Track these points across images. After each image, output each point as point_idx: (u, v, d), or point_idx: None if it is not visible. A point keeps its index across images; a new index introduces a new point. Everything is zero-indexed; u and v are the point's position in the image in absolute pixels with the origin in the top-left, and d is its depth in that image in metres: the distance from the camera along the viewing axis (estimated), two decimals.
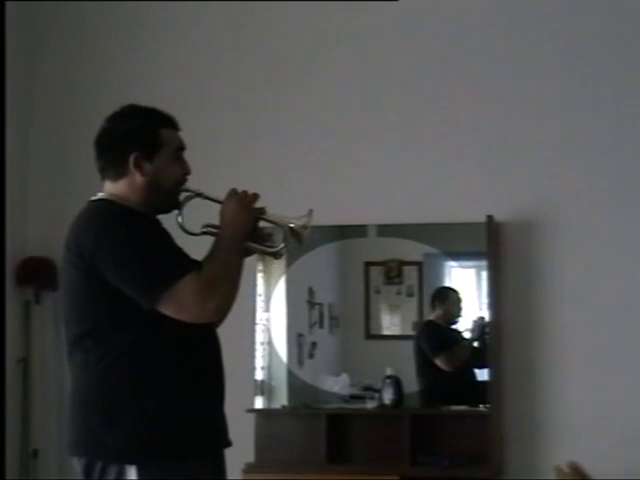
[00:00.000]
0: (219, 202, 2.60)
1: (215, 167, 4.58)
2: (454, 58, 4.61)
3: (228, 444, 2.62)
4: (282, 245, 2.63)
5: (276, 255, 2.69)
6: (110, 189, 2.59)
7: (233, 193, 2.61)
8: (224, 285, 2.47)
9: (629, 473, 3.99)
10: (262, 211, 2.61)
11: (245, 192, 2.61)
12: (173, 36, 4.94)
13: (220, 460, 2.60)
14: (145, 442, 2.44)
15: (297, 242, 2.61)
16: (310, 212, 2.61)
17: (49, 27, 5.07)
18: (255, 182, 4.73)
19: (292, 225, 2.60)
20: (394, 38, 4.67)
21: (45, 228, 4.83)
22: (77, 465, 2.53)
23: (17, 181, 4.89)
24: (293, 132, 4.75)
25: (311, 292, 4.78)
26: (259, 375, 4.67)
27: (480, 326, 4.52)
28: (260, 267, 4.65)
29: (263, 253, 2.71)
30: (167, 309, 2.43)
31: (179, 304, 2.43)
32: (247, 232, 2.57)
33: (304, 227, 2.60)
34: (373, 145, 4.65)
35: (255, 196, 2.61)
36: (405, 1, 4.62)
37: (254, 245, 2.62)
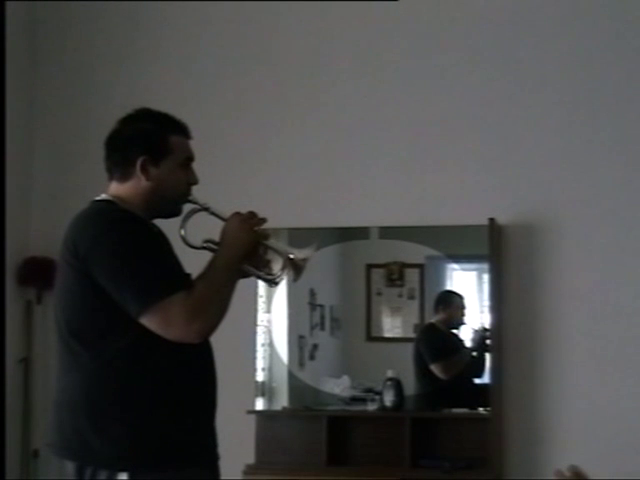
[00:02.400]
0: (224, 219, 2.57)
1: (217, 169, 4.58)
2: (456, 60, 4.60)
3: (216, 457, 2.58)
4: (279, 274, 2.60)
5: (271, 283, 2.66)
6: (114, 190, 2.58)
7: (238, 213, 2.57)
8: (212, 309, 2.44)
9: (630, 477, 3.98)
10: (265, 236, 2.58)
11: (252, 213, 2.57)
12: (175, 37, 4.94)
13: (213, 468, 2.57)
14: (136, 449, 2.42)
15: (294, 273, 2.57)
16: (314, 245, 2.59)
17: (50, 27, 5.07)
18: (257, 184, 4.74)
19: (292, 256, 2.56)
20: (395, 39, 4.67)
21: (47, 228, 4.83)
22: (69, 467, 2.51)
23: (20, 180, 4.89)
24: (296, 135, 4.75)
25: (312, 294, 4.78)
26: (260, 376, 4.66)
27: (481, 337, 4.51)
28: None
29: (259, 278, 2.66)
30: (151, 324, 2.40)
31: (164, 322, 2.40)
32: (246, 254, 2.54)
33: (304, 260, 2.56)
34: (375, 147, 4.65)
35: (261, 220, 2.57)
36: (405, 1, 4.62)
37: (251, 269, 2.58)
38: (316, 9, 4.73)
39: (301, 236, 4.20)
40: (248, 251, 2.54)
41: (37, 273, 4.81)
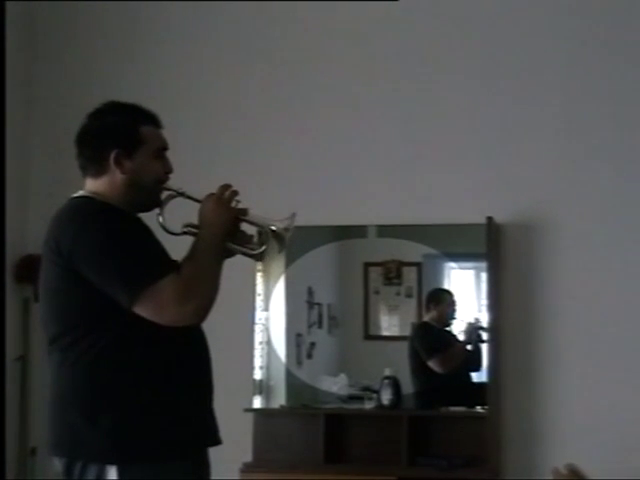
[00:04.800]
0: (199, 202, 2.56)
1: (215, 167, 4.58)
2: (454, 59, 4.61)
3: (216, 442, 2.57)
4: (263, 247, 2.58)
5: (257, 257, 2.65)
6: (91, 186, 2.57)
7: (211, 194, 2.56)
8: (202, 288, 2.43)
9: (627, 475, 3.99)
10: (243, 212, 2.56)
11: (223, 190, 2.55)
12: (173, 36, 4.94)
13: (204, 461, 2.56)
14: (125, 442, 2.41)
15: (279, 245, 2.56)
16: (293, 215, 2.57)
17: (49, 26, 5.07)
18: (254, 182, 4.75)
19: (274, 228, 2.55)
20: (394, 38, 4.67)
21: (44, 226, 4.79)
22: (58, 465, 2.50)
23: (17, 178, 4.89)
24: (293, 132, 4.75)
25: (310, 292, 4.78)
26: (257, 375, 4.66)
27: (474, 329, 4.52)
28: (259, 266, 4.64)
29: (244, 255, 2.62)
30: (144, 310, 2.39)
31: (157, 306, 2.39)
32: (226, 233, 2.52)
33: (286, 229, 2.55)
34: (373, 146, 4.65)
35: (234, 193, 2.55)
36: (405, 1, 4.63)
37: (235, 246, 2.57)
38: (316, 9, 4.73)
39: (299, 234, 4.22)
40: (228, 229, 2.53)
41: (34, 271, 4.74)
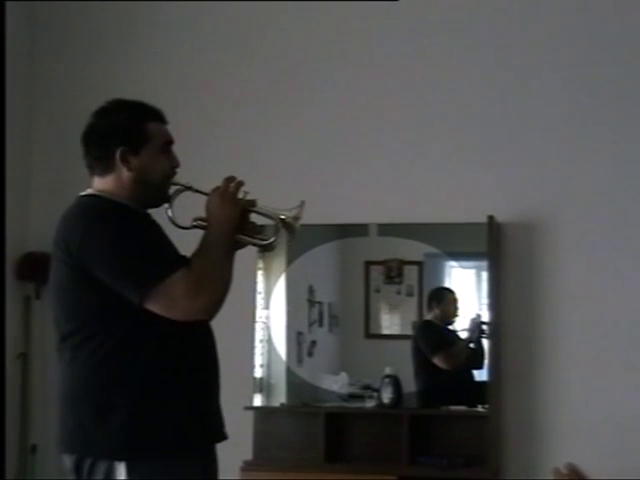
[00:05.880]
0: (208, 194, 2.56)
1: (215, 164, 4.58)
2: (454, 58, 4.61)
3: (223, 438, 2.59)
4: (274, 237, 2.58)
5: (268, 247, 2.64)
6: (98, 185, 2.58)
7: (217, 187, 2.56)
8: (214, 282, 2.44)
9: (627, 475, 3.99)
10: (252, 203, 2.56)
11: (228, 182, 2.55)
12: (173, 35, 4.95)
13: (212, 457, 2.57)
14: (135, 439, 2.43)
15: (289, 234, 2.56)
16: (302, 203, 2.57)
17: (49, 27, 5.07)
18: (255, 180, 4.74)
19: (283, 217, 2.55)
20: (394, 38, 4.67)
21: (46, 223, 4.75)
22: (67, 462, 2.52)
23: (18, 176, 4.89)
24: (294, 130, 4.75)
25: (311, 290, 4.78)
26: (258, 373, 4.67)
27: (477, 325, 4.52)
28: (260, 264, 4.65)
29: (255, 246, 2.63)
30: (156, 306, 2.40)
31: (168, 302, 2.40)
32: (234, 225, 2.52)
33: (296, 218, 2.55)
34: (375, 144, 4.65)
35: (239, 184, 2.55)
36: (405, 1, 4.62)
37: (245, 238, 2.57)
38: (317, 8, 4.73)
39: (300, 232, 4.23)
40: (236, 223, 2.53)
41: (36, 268, 4.80)
